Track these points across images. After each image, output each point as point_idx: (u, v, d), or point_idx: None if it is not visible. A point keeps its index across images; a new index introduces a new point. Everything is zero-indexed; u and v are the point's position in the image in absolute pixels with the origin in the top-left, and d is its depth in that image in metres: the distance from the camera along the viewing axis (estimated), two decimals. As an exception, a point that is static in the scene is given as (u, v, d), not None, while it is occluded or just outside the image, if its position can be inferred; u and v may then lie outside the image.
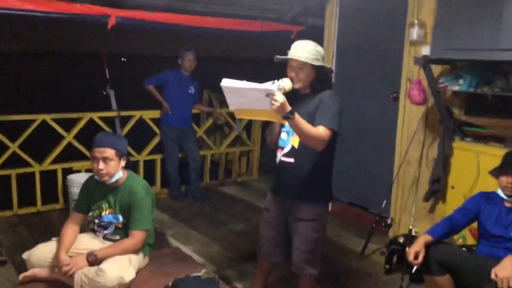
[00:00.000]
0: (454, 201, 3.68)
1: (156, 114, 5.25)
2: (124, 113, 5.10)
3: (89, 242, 2.78)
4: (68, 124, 4.89)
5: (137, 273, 2.69)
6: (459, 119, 3.58)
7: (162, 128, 5.20)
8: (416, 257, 2.63)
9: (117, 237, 2.78)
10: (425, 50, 3.71)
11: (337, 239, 4.26)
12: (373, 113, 4.44)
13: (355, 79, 4.59)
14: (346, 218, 4.70)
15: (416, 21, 3.73)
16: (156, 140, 5.35)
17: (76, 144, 4.82)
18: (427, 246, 2.68)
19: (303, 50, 2.46)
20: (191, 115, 5.26)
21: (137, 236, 2.68)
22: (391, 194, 4.07)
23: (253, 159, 6.19)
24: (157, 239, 4.09)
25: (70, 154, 4.89)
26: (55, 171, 4.78)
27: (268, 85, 2.28)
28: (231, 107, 2.28)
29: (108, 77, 5.12)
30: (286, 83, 2.44)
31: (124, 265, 2.55)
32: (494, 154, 3.39)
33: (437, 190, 3.70)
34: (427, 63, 3.34)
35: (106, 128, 5.01)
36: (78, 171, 4.81)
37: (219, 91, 2.24)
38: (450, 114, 3.57)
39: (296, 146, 2.56)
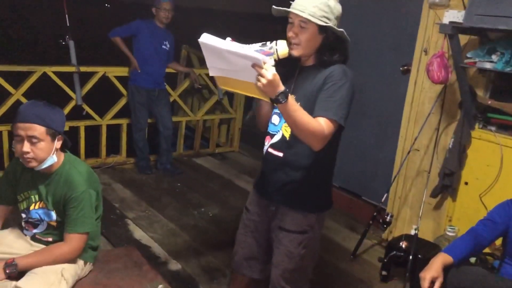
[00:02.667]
0: (466, 200, 3.14)
1: (123, 71, 4.52)
2: (85, 69, 4.37)
3: (12, 243, 2.14)
4: (16, 79, 4.16)
5: (74, 285, 2.09)
6: (483, 103, 2.96)
7: (129, 89, 4.48)
8: (432, 283, 2.07)
9: (50, 239, 2.14)
10: (449, 15, 3.05)
11: (325, 231, 3.69)
12: (378, 86, 3.80)
13: (358, 45, 3.88)
14: (336, 205, 4.10)
15: (440, -22, 3.04)
16: (122, 102, 4.65)
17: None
18: (446, 269, 2.12)
19: (308, 2, 1.77)
20: (165, 75, 4.54)
21: (74, 241, 2.05)
22: (391, 183, 3.49)
23: (234, 128, 5.52)
24: (114, 223, 3.50)
25: (19, 114, 4.16)
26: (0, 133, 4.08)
27: (255, 49, 1.65)
28: (211, 73, 1.65)
29: (68, 25, 4.36)
30: (281, 47, 1.76)
31: (51, 282, 1.93)
32: (522, 149, 2.84)
33: (448, 185, 3.13)
34: (455, 32, 2.68)
35: (62, 86, 4.30)
36: (28, 134, 4.09)
37: (200, 48, 1.62)
38: (473, 96, 2.95)
39: (287, 137, 1.91)
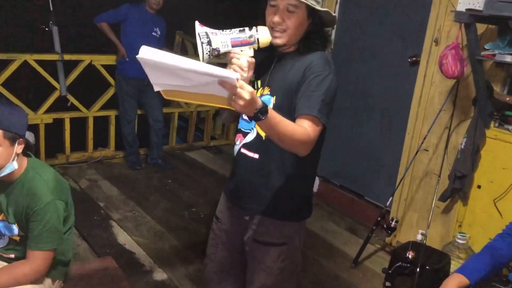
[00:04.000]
0: (478, 205, 2.89)
1: (110, 60, 4.25)
2: (69, 57, 4.09)
3: (-30, 260, 1.90)
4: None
5: (41, 307, 1.85)
6: (501, 100, 2.69)
7: (117, 79, 4.21)
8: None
9: (12, 255, 1.90)
10: (464, 2, 2.74)
11: (324, 234, 3.45)
12: (383, 79, 3.52)
13: (363, 35, 3.62)
14: (336, 204, 3.89)
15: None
16: (110, 92, 4.38)
17: (5, 93, 3.82)
18: (460, 293, 1.87)
19: None
20: (155, 64, 4.25)
21: (37, 260, 1.79)
22: (396, 185, 3.23)
23: (229, 120, 5.24)
24: (98, 225, 3.25)
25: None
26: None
27: (232, 37, 1.42)
28: (157, 88, 1.33)
29: (51, 9, 4.07)
30: (263, 35, 1.48)
31: (10, 308, 1.69)
32: (543, 151, 2.58)
33: (459, 188, 2.87)
34: (473, 21, 2.39)
35: (44, 74, 4.00)
36: (7, 127, 3.83)
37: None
38: (490, 92, 2.68)
39: (263, 136, 1.64)
